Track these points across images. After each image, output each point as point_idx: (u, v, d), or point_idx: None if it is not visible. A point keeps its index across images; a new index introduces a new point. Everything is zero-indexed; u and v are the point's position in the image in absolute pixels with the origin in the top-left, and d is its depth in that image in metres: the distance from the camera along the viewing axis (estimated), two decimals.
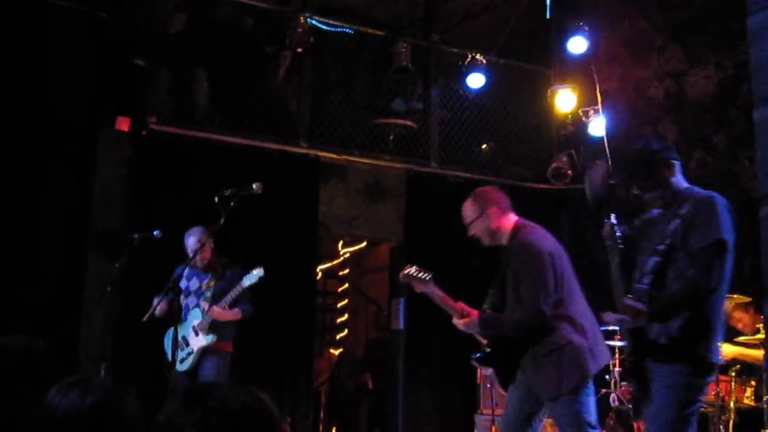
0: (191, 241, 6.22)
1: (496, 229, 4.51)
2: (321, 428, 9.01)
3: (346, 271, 11.24)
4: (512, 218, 4.54)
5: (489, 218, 4.51)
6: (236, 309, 6.18)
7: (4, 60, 6.89)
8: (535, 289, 4.20)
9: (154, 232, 5.89)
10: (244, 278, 6.09)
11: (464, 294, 8.52)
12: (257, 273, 6.08)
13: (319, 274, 9.62)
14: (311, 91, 8.39)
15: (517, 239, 4.37)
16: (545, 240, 4.35)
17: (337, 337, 11.08)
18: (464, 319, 4.49)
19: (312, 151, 8.28)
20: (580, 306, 4.33)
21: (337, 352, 10.86)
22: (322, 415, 8.91)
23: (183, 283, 6.35)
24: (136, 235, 5.94)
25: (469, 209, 4.61)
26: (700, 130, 8.19)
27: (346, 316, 11.20)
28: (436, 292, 4.65)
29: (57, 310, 6.74)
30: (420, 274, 4.60)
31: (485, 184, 8.99)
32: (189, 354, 6.22)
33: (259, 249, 7.03)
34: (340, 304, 11.28)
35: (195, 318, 6.24)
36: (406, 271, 4.60)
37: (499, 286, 4.50)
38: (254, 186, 5.20)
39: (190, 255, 6.19)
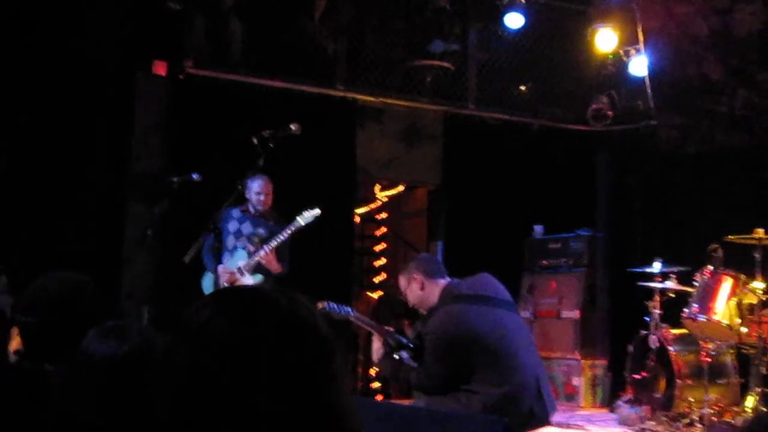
0: (257, 183, 6.29)
1: (423, 296, 4.49)
2: (360, 371, 9.10)
3: (384, 215, 11.23)
4: (441, 285, 4.47)
5: (416, 285, 4.49)
6: (279, 262, 6.24)
7: (40, 6, 6.90)
8: (427, 369, 4.29)
9: (193, 175, 5.90)
10: (298, 218, 6.14)
11: (501, 236, 8.56)
12: (314, 213, 6.12)
13: (357, 218, 9.63)
14: (348, 34, 8.32)
15: (430, 320, 4.36)
16: (454, 324, 4.29)
17: (375, 280, 11.11)
18: (378, 342, 4.53)
19: (349, 94, 8.24)
20: (496, 374, 4.24)
21: (375, 296, 10.91)
22: (361, 358, 8.98)
23: (233, 225, 6.42)
24: (175, 179, 5.96)
25: (400, 278, 4.62)
26: (745, 68, 8.01)
27: (383, 260, 11.22)
28: (361, 319, 4.69)
29: (99, 253, 6.83)
30: (337, 312, 4.62)
31: (524, 126, 9.05)
32: None
33: (297, 192, 7.04)
34: (377, 248, 11.29)
35: (240, 258, 6.31)
36: (321, 306, 4.60)
37: (421, 327, 4.52)
38: (292, 127, 5.20)
39: (252, 198, 6.27)
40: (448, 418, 4.10)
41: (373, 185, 10.33)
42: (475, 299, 4.43)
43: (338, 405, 1.29)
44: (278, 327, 1.26)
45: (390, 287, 10.93)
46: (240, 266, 6.28)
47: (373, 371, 8.89)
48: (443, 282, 4.50)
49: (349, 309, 4.78)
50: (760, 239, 5.99)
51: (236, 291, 1.43)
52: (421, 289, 4.51)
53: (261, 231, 6.40)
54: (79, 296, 2.52)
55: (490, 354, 4.24)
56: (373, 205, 10.91)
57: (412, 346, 4.61)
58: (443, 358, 4.27)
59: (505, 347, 4.29)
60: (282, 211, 6.52)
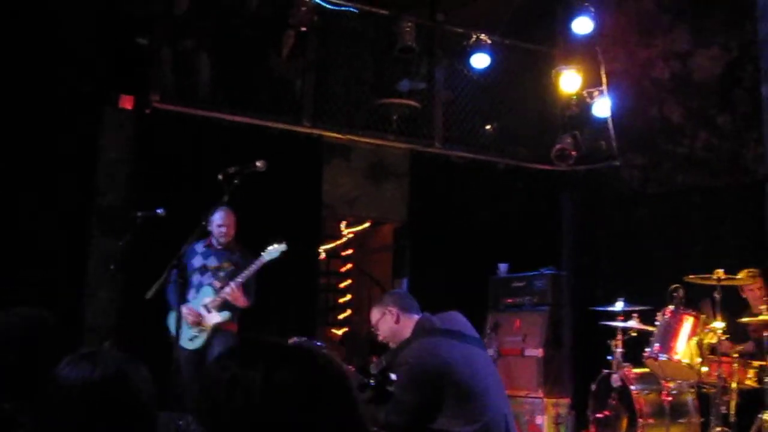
0: (217, 216, 6.28)
1: (397, 329, 4.49)
2: None
3: (350, 251, 11.24)
4: (415, 320, 4.50)
5: (391, 317, 4.49)
6: (245, 297, 6.21)
7: (9, 37, 6.87)
8: (397, 400, 4.24)
9: (158, 210, 5.89)
10: (264, 253, 6.13)
11: (466, 274, 8.59)
12: (279, 247, 6.13)
13: (323, 255, 9.63)
14: (315, 71, 8.37)
15: (405, 351, 4.36)
16: (430, 356, 4.30)
17: (340, 317, 11.10)
18: None
19: (316, 131, 8.26)
20: (466, 412, 4.25)
21: (340, 332, 10.88)
22: None
23: (198, 261, 6.39)
24: (139, 213, 5.94)
25: (373, 311, 4.62)
26: (705, 111, 8.18)
27: (348, 296, 11.21)
28: None
29: (61, 287, 6.76)
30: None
31: (489, 165, 9.13)
32: (201, 331, 6.23)
33: (262, 229, 7.02)
34: (342, 285, 11.29)
35: (206, 295, 6.26)
36: (290, 341, 4.60)
37: (391, 360, 4.50)
38: (258, 164, 5.20)
39: (214, 231, 6.27)
40: None
41: (339, 221, 10.36)
42: (449, 334, 4.42)
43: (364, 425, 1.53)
44: (322, 375, 1.49)
45: (355, 324, 10.92)
46: (206, 303, 6.24)
47: None
48: (417, 317, 4.49)
49: (319, 344, 4.76)
50: (719, 279, 6.07)
51: (280, 344, 1.58)
52: (396, 323, 4.47)
53: (226, 264, 6.37)
54: (39, 332, 2.50)
55: (462, 390, 4.20)
56: (338, 242, 10.92)
57: (372, 383, 4.58)
58: (416, 389, 4.20)
59: (476, 384, 4.26)
60: (247, 246, 6.50)
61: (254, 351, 1.51)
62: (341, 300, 11.20)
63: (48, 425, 1.87)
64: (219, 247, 6.41)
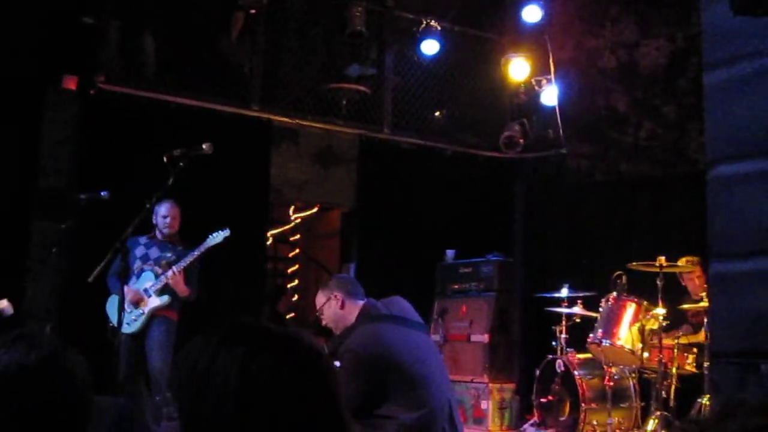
0: (163, 208, 6.25)
1: (342, 315, 4.49)
2: None
3: (297, 236, 11.20)
4: (359, 305, 4.48)
5: (336, 303, 4.48)
6: (188, 287, 6.16)
7: None
8: (343, 389, 4.22)
9: (102, 193, 5.80)
10: (209, 238, 6.09)
11: (414, 260, 8.62)
12: (223, 233, 6.09)
13: (270, 240, 9.58)
14: (264, 54, 8.30)
15: (348, 339, 4.35)
16: (373, 343, 4.30)
17: (287, 302, 11.06)
18: None
19: (264, 115, 8.20)
20: (411, 398, 4.26)
21: (287, 317, 10.85)
22: None
23: (140, 250, 6.34)
24: (82, 196, 5.84)
25: (318, 295, 4.60)
26: (650, 101, 8.29)
27: (296, 281, 11.18)
28: None
29: (2, 271, 6.62)
30: None
31: (438, 151, 9.16)
32: (139, 316, 6.17)
33: (209, 213, 6.97)
34: (290, 270, 11.25)
35: (147, 280, 6.20)
36: None
37: (335, 348, 4.50)
38: (204, 146, 5.15)
39: (158, 223, 6.23)
40: None
41: (287, 206, 10.30)
42: (393, 320, 4.42)
43: (345, 414, 1.51)
44: (307, 357, 1.48)
45: (300, 309, 10.90)
46: (146, 287, 6.18)
47: None
48: (362, 303, 4.48)
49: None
50: (661, 266, 6.17)
51: (262, 328, 1.54)
52: (341, 308, 4.45)
53: (168, 255, 6.31)
54: None
55: (406, 376, 4.20)
56: (286, 227, 10.87)
57: None
58: (360, 377, 4.19)
59: (420, 370, 4.27)
60: (194, 230, 6.43)
61: (234, 334, 1.48)
62: (289, 285, 11.17)
63: None
64: (162, 239, 6.36)
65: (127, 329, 6.10)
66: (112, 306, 6.16)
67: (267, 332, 1.49)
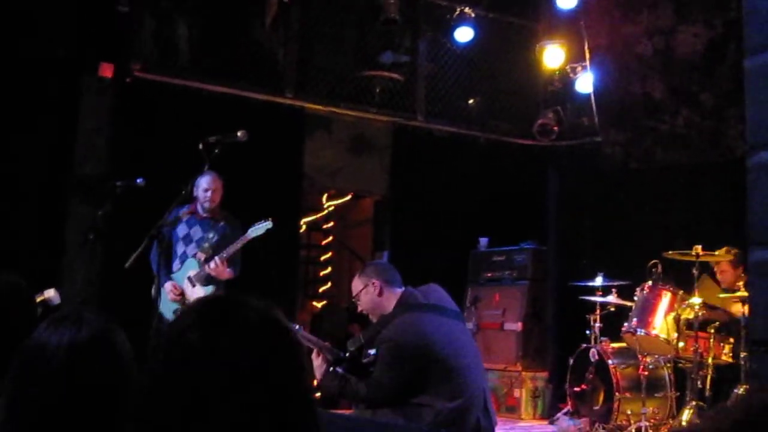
0: (204, 179, 6.12)
1: (379, 302, 4.45)
2: None
3: (330, 224, 11.22)
4: (397, 293, 4.43)
5: (374, 289, 4.44)
6: (230, 269, 6.16)
7: None
8: (381, 378, 4.23)
9: (138, 180, 5.82)
10: (250, 230, 6.06)
11: (446, 248, 8.61)
12: (265, 225, 6.04)
13: (303, 227, 9.60)
14: (298, 42, 8.31)
15: (387, 328, 4.31)
16: (413, 333, 4.28)
17: (320, 290, 11.09)
18: (319, 359, 4.46)
19: (298, 102, 8.22)
20: (448, 388, 4.24)
21: (320, 305, 10.89)
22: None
23: (182, 230, 6.29)
24: (119, 183, 5.87)
25: (355, 281, 4.56)
26: (687, 88, 8.18)
27: (329, 269, 11.20)
28: (305, 336, 4.62)
29: (39, 257, 6.71)
30: None
31: (471, 139, 9.12)
32: (185, 304, 6.19)
33: (242, 200, 6.99)
34: (323, 257, 11.27)
35: (191, 268, 6.19)
36: None
37: (371, 337, 4.45)
38: (239, 133, 5.16)
39: (199, 196, 6.18)
40: (393, 429, 4.09)
41: (320, 194, 10.32)
42: (431, 309, 4.42)
43: (309, 392, 1.49)
44: (250, 336, 1.43)
45: (333, 297, 10.93)
46: (191, 276, 6.19)
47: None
48: (399, 291, 4.46)
49: (297, 326, 4.73)
50: (698, 255, 6.11)
51: (212, 303, 1.54)
52: (379, 295, 4.44)
53: (211, 235, 6.25)
54: (13, 299, 2.46)
55: (444, 366, 4.21)
56: (319, 214, 10.89)
57: (347, 355, 4.57)
58: (399, 366, 4.21)
59: (458, 360, 4.27)
60: (233, 214, 6.45)
61: (204, 309, 1.48)
62: (321, 273, 11.20)
63: (30, 392, 1.82)
64: (204, 215, 6.31)
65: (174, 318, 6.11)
66: (164, 302, 6.12)
67: (236, 309, 1.47)
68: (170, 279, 6.17)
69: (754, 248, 1.91)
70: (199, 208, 6.30)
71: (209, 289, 6.15)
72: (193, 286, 6.17)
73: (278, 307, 1.58)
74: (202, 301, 1.54)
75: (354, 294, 4.56)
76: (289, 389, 1.42)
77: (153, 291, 6.16)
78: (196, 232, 6.31)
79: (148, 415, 1.40)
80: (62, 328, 1.83)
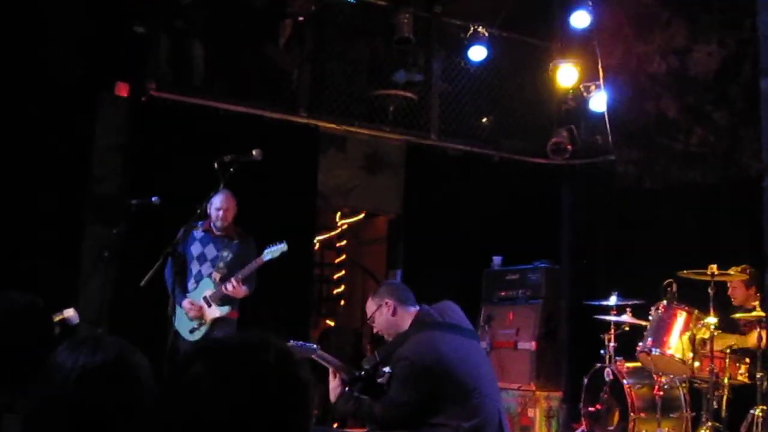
0: (217, 198, 6.12)
1: (394, 321, 4.44)
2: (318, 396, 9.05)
3: (344, 242, 11.23)
4: (412, 312, 4.42)
5: (388, 310, 4.44)
6: (245, 287, 6.16)
7: (2, 24, 6.84)
8: (396, 398, 4.20)
9: (153, 199, 5.86)
10: (266, 252, 6.07)
11: (460, 267, 8.60)
12: (280, 247, 6.05)
13: (317, 245, 9.62)
14: (312, 61, 8.35)
15: (402, 346, 4.30)
16: (428, 351, 4.29)
17: (333, 308, 11.09)
18: (336, 380, 4.46)
19: (312, 121, 8.25)
20: (464, 408, 4.22)
21: (333, 323, 10.89)
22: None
23: (197, 248, 6.31)
24: (134, 201, 5.91)
25: (369, 303, 4.56)
26: (701, 107, 8.17)
27: (342, 287, 11.20)
28: (323, 357, 4.62)
29: (54, 276, 6.73)
30: (304, 349, 4.58)
31: (485, 158, 9.13)
32: (201, 324, 6.19)
33: (256, 218, 7.01)
34: (336, 276, 11.28)
35: (207, 287, 6.20)
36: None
37: (386, 356, 4.44)
38: (254, 152, 5.19)
39: (212, 214, 6.21)
40: None
41: (334, 212, 10.34)
42: (447, 327, 4.40)
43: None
44: (262, 386, 1.44)
45: (340, 315, 10.93)
46: (207, 296, 6.20)
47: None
48: (414, 309, 4.45)
49: (314, 346, 4.72)
50: (713, 275, 6.08)
51: (225, 348, 1.55)
52: (393, 315, 4.43)
53: (225, 254, 6.27)
54: (29, 317, 2.47)
55: (460, 386, 4.18)
56: (333, 233, 10.91)
57: (361, 374, 4.55)
58: (414, 385, 4.18)
59: (473, 380, 4.25)
60: (246, 232, 6.46)
61: (204, 352, 1.52)
62: (335, 291, 11.20)
63: (45, 411, 1.84)
64: (218, 233, 6.32)
65: (190, 337, 6.13)
66: (180, 320, 6.15)
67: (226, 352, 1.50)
68: (186, 297, 6.18)
69: None
70: (213, 227, 6.32)
71: (225, 309, 6.17)
72: (209, 306, 6.17)
73: (291, 327, 1.60)
74: (219, 346, 1.56)
75: (368, 315, 4.54)
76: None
77: (169, 309, 6.18)
78: (210, 251, 6.33)
79: None
80: (80, 350, 1.85)
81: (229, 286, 6.06)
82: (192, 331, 6.16)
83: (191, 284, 6.25)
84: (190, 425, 1.41)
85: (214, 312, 6.16)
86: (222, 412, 1.40)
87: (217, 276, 6.19)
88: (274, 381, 1.45)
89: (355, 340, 10.07)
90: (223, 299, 6.15)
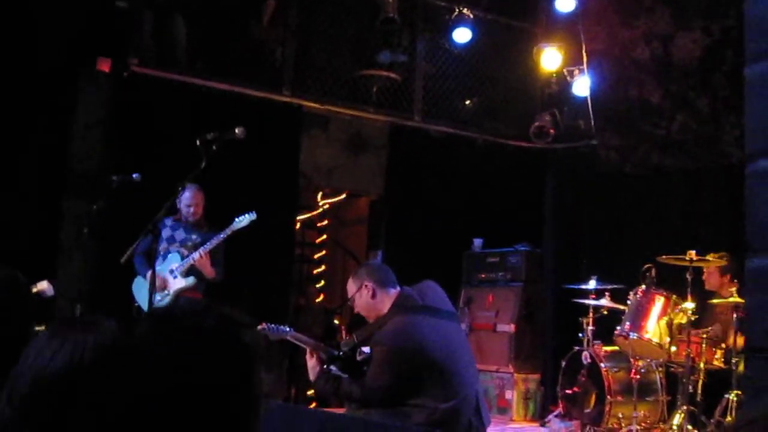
0: (186, 194, 6.24)
1: (373, 304, 4.45)
2: (296, 376, 9.05)
3: (325, 222, 11.20)
4: (392, 294, 4.43)
5: (367, 292, 4.44)
6: (213, 268, 6.21)
7: None
8: (374, 381, 4.23)
9: (134, 175, 5.84)
10: (235, 221, 6.13)
11: (441, 249, 8.62)
12: (249, 217, 6.12)
13: (298, 225, 9.60)
14: (296, 39, 8.30)
15: (381, 330, 4.31)
16: (406, 336, 4.28)
17: (314, 287, 11.08)
18: (312, 360, 4.48)
19: (295, 100, 8.21)
20: (441, 390, 4.24)
21: (302, 302, 10.87)
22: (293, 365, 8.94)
23: (167, 232, 6.39)
24: (114, 178, 5.88)
25: (349, 284, 4.56)
26: (684, 94, 8.20)
27: (323, 267, 11.19)
28: (298, 337, 4.65)
29: (34, 252, 6.69)
30: (275, 333, 4.61)
31: (468, 140, 9.12)
32: (165, 296, 6.24)
33: (238, 197, 6.99)
34: (317, 255, 11.26)
35: (173, 261, 6.27)
36: (260, 328, 4.59)
37: (365, 338, 4.46)
38: (237, 130, 5.16)
39: (182, 209, 6.25)
40: (385, 428, 4.10)
41: (316, 192, 10.31)
42: (425, 311, 4.41)
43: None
44: (199, 345, 1.47)
45: (310, 294, 10.94)
46: (172, 268, 6.24)
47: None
48: (394, 291, 4.45)
49: (287, 328, 4.73)
50: (691, 260, 6.13)
51: (169, 312, 1.61)
52: (372, 297, 4.44)
53: (194, 237, 6.38)
54: (12, 292, 2.45)
55: (437, 369, 4.21)
56: (314, 213, 10.88)
57: (341, 354, 4.57)
58: (392, 370, 4.21)
59: (452, 362, 4.28)
60: (222, 214, 6.46)
61: (152, 317, 1.58)
62: (315, 271, 11.18)
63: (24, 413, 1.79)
64: (189, 221, 6.42)
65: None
66: (138, 287, 6.23)
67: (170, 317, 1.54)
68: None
69: (752, 256, 1.92)
70: (182, 216, 6.39)
71: (190, 281, 6.23)
72: (174, 277, 6.22)
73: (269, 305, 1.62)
74: (164, 311, 1.58)
75: (349, 296, 4.55)
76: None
77: (134, 288, 6.22)
78: (180, 234, 6.43)
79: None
80: (70, 339, 1.80)
81: (196, 255, 6.15)
82: (155, 305, 6.16)
83: (158, 262, 6.26)
84: (134, 385, 1.43)
85: (179, 282, 6.22)
86: (163, 370, 1.42)
87: (185, 252, 6.26)
88: (213, 341, 1.47)
89: (326, 318, 10.09)
90: (188, 271, 6.19)
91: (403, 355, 4.17)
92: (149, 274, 5.31)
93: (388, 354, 4.19)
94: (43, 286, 5.23)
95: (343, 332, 9.40)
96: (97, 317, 1.82)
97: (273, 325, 4.70)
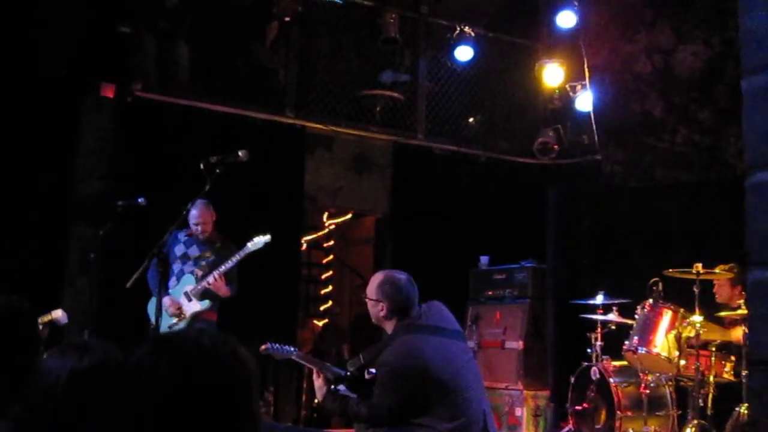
0: (193, 212, 6.20)
1: (383, 321, 4.47)
2: (304, 398, 9.04)
3: (331, 242, 11.23)
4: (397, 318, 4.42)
5: (381, 310, 4.45)
6: (228, 287, 6.20)
7: None
8: (380, 401, 4.23)
9: (139, 199, 5.85)
10: (249, 243, 6.12)
11: (447, 267, 8.60)
12: (264, 239, 6.11)
13: (304, 245, 9.61)
14: (298, 61, 8.34)
15: (386, 350, 4.32)
16: (411, 357, 4.29)
17: (321, 308, 11.09)
18: (319, 380, 4.50)
19: (298, 121, 8.24)
20: (448, 409, 4.24)
21: (321, 324, 10.88)
22: (304, 385, 8.93)
23: (180, 249, 6.37)
24: (120, 202, 5.90)
25: (372, 285, 4.56)
26: (686, 107, 8.21)
27: (330, 287, 11.20)
28: (303, 358, 4.66)
29: (40, 277, 6.71)
30: (280, 353, 4.63)
31: (471, 158, 9.13)
32: (180, 320, 6.21)
33: (244, 219, 7.01)
34: (324, 276, 11.27)
35: (188, 283, 6.25)
36: (263, 347, 4.61)
37: (371, 358, 4.46)
38: (240, 153, 5.18)
39: (192, 225, 6.25)
40: None
41: (321, 213, 10.34)
42: (431, 330, 4.41)
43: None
44: (208, 376, 1.49)
45: (335, 315, 10.92)
46: (187, 291, 6.22)
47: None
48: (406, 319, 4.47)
49: (292, 349, 4.74)
50: (698, 273, 6.11)
51: (169, 335, 1.64)
52: (384, 318, 4.47)
53: (208, 255, 6.35)
54: (16, 320, 2.46)
55: (443, 389, 4.20)
56: (320, 233, 10.90)
57: (348, 374, 4.57)
58: (397, 390, 4.21)
59: (457, 382, 4.27)
60: (229, 236, 6.48)
61: (159, 344, 1.58)
62: (322, 291, 11.19)
63: (35, 415, 1.85)
64: (201, 237, 6.40)
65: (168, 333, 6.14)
66: (152, 307, 6.21)
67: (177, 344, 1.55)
68: (168, 295, 6.19)
69: (753, 268, 1.91)
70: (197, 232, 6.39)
71: (205, 304, 6.20)
72: (190, 300, 6.21)
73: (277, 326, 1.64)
74: (166, 334, 1.62)
75: (366, 295, 4.55)
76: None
77: (148, 308, 6.21)
78: (194, 251, 6.38)
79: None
80: (66, 356, 1.87)
81: (211, 279, 6.12)
82: (171, 327, 6.17)
83: (172, 282, 6.28)
84: (134, 402, 1.45)
85: (194, 306, 6.19)
86: (158, 387, 1.44)
87: (199, 272, 6.23)
88: (209, 359, 1.50)
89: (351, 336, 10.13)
90: (203, 294, 6.18)
91: (408, 375, 4.16)
92: (160, 293, 5.33)
93: (393, 374, 4.19)
94: (58, 314, 5.26)
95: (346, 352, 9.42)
96: (95, 340, 1.87)
97: (278, 345, 4.70)
